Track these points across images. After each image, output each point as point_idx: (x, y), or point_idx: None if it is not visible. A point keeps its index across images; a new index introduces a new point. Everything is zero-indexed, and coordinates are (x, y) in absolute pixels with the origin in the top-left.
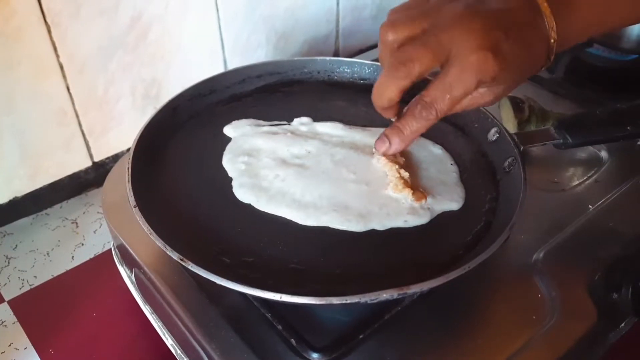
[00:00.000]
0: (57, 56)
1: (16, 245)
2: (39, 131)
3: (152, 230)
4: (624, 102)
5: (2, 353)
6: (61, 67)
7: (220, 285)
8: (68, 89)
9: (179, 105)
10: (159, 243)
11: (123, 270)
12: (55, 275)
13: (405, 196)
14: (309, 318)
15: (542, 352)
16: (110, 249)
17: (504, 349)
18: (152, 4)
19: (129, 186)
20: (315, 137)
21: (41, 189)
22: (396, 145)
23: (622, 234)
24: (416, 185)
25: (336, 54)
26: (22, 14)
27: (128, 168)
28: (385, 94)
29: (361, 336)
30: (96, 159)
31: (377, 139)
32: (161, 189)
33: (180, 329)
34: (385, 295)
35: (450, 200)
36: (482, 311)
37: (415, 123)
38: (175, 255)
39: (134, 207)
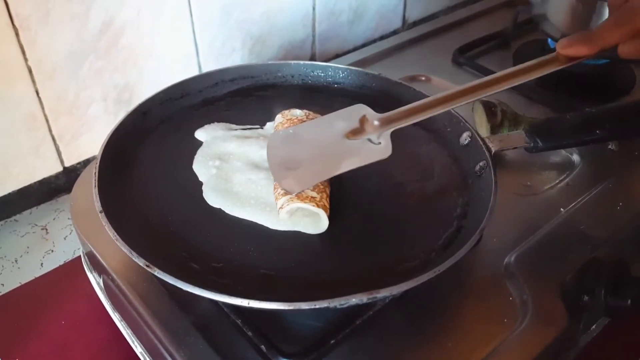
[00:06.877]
0: (26, 60)
1: None
2: (7, 136)
3: (117, 236)
4: (594, 106)
5: None
6: (30, 71)
7: (189, 292)
8: (37, 93)
9: (150, 110)
10: (125, 249)
11: (92, 278)
12: (23, 282)
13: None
14: (280, 324)
15: (514, 355)
16: (80, 255)
17: (476, 352)
18: (124, 9)
19: (95, 191)
20: None
21: (10, 194)
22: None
23: (593, 236)
24: None
25: (312, 59)
26: None
27: (95, 173)
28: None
29: (332, 341)
30: (67, 164)
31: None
32: (130, 195)
33: (149, 336)
34: (354, 299)
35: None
36: (454, 315)
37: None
38: (141, 262)
39: (100, 212)
